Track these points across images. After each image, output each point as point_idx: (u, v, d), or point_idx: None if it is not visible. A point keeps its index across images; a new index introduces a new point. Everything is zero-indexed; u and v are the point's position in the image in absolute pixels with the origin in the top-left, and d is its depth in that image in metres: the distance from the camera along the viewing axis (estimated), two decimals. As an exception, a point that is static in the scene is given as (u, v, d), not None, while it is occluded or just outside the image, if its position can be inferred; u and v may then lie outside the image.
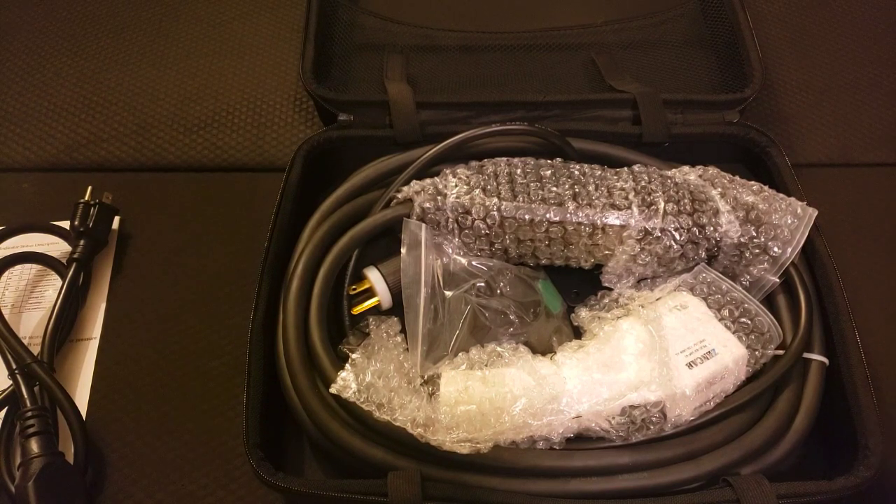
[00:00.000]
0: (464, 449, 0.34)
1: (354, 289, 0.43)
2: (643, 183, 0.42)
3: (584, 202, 0.41)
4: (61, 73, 0.58)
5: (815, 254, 0.43)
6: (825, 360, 0.40)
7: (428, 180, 0.43)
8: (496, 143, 0.46)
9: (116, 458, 0.41)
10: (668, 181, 0.42)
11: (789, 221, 0.41)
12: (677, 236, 0.41)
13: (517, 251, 0.43)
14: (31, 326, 0.45)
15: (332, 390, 0.37)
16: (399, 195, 0.43)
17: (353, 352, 0.38)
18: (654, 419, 0.36)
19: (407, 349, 0.39)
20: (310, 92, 0.49)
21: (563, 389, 0.36)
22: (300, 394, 0.38)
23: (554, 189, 0.41)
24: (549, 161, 0.44)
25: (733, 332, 0.39)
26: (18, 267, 0.47)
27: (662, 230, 0.41)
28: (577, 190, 0.41)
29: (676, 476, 0.36)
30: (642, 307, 0.40)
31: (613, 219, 0.41)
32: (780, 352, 0.39)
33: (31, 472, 0.37)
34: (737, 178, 0.44)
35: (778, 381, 0.39)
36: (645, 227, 0.40)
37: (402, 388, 0.37)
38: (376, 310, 0.43)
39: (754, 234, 0.41)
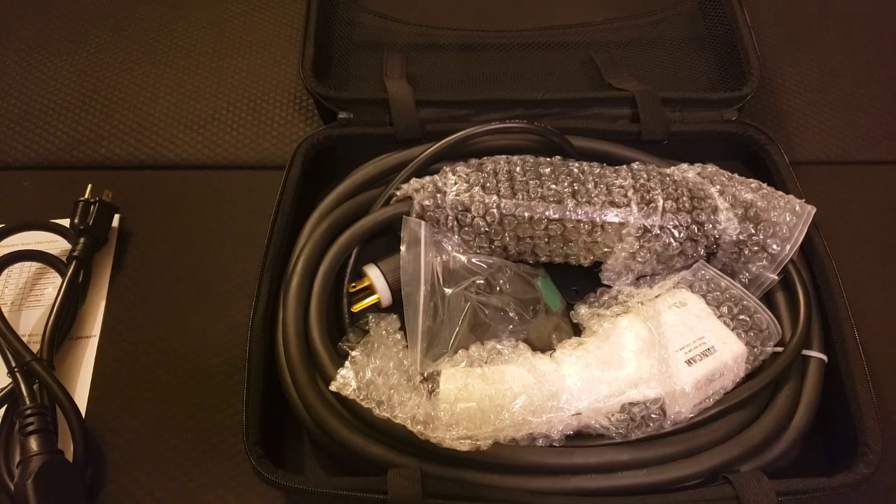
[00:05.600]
0: (464, 446, 0.34)
1: (354, 286, 0.43)
2: (642, 180, 0.42)
3: (584, 200, 0.41)
4: (61, 71, 0.58)
5: (814, 251, 0.43)
6: (824, 357, 0.40)
7: (427, 178, 0.43)
8: (496, 141, 0.46)
9: (116, 455, 0.41)
10: (667, 179, 0.42)
11: (788, 219, 0.41)
12: (676, 234, 0.41)
13: (517, 248, 0.43)
14: (31, 324, 0.45)
15: (332, 388, 0.37)
16: (398, 193, 0.43)
17: (352, 349, 0.38)
18: (653, 416, 0.36)
19: (406, 346, 0.39)
20: (309, 90, 0.49)
21: (563, 386, 0.36)
22: (300, 391, 0.38)
23: (553, 187, 0.41)
24: (548, 159, 0.44)
25: (732, 330, 0.39)
26: (18, 264, 0.47)
27: (661, 228, 0.41)
28: (576, 187, 0.41)
29: (676, 473, 0.36)
30: (641, 304, 0.40)
31: (612, 216, 0.41)
32: (780, 349, 0.39)
33: (31, 470, 0.36)
34: (735, 175, 0.44)
35: (777, 379, 0.39)
36: (644, 225, 0.41)
37: (401, 385, 0.37)
38: (376, 307, 0.43)
39: (753, 231, 0.41)
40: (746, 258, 0.42)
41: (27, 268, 0.48)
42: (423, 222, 0.42)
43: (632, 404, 0.36)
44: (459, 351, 0.39)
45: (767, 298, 0.42)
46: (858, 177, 0.53)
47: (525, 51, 0.55)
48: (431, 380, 0.38)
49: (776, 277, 0.41)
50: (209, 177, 0.52)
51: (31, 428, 0.38)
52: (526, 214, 0.41)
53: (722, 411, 0.37)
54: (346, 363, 0.37)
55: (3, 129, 0.54)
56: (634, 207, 0.41)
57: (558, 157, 0.44)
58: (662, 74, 0.54)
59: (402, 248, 0.41)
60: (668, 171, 0.44)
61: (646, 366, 0.37)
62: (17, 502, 0.36)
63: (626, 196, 0.41)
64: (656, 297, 0.41)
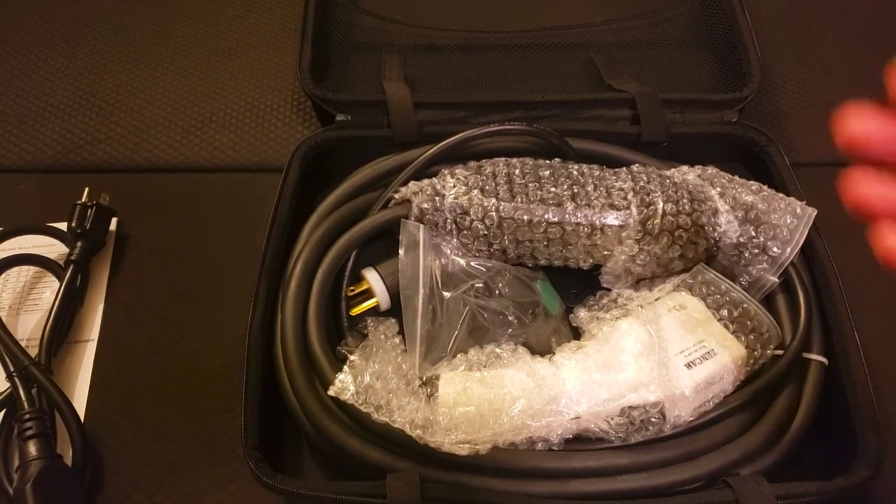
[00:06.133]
0: (463, 450, 0.34)
1: (353, 290, 0.43)
2: (642, 183, 0.42)
3: (583, 202, 0.41)
4: (58, 74, 0.58)
5: (815, 253, 0.43)
6: (824, 360, 0.40)
7: (426, 181, 0.43)
8: (494, 144, 0.46)
9: (115, 459, 0.41)
10: (667, 181, 0.42)
11: (788, 221, 0.41)
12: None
13: (516, 252, 0.43)
14: (29, 328, 0.45)
15: (331, 392, 0.37)
16: (397, 196, 0.43)
17: (351, 353, 0.38)
18: (653, 419, 0.36)
19: (405, 350, 0.39)
20: (307, 92, 0.49)
21: (562, 390, 0.36)
22: (298, 395, 0.38)
23: (552, 189, 0.41)
24: (547, 161, 0.44)
25: (732, 332, 0.39)
26: (15, 269, 0.46)
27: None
28: (575, 190, 0.41)
29: (676, 477, 0.36)
30: (641, 307, 0.40)
31: (612, 219, 0.40)
32: (780, 352, 0.39)
33: (30, 475, 0.36)
34: (736, 177, 0.43)
35: (777, 382, 0.39)
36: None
37: (400, 389, 0.36)
38: (375, 311, 0.43)
39: (753, 233, 0.41)
40: (747, 261, 0.42)
41: (24, 272, 0.47)
42: (421, 225, 0.42)
43: (631, 408, 0.36)
44: (458, 355, 0.39)
45: (768, 301, 0.42)
46: (859, 178, 0.52)
47: (524, 52, 0.55)
48: (430, 384, 0.37)
49: (776, 280, 0.41)
50: (207, 180, 0.52)
51: (29, 432, 0.38)
52: (525, 217, 0.41)
53: (722, 415, 0.37)
54: (345, 367, 0.37)
55: (-1, 132, 0.54)
56: (634, 210, 0.41)
57: (557, 160, 0.44)
58: (662, 75, 0.54)
59: (401, 251, 0.41)
60: (668, 173, 0.43)
61: (645, 369, 0.37)
62: (16, 507, 0.36)
63: (625, 199, 0.41)
64: (656, 299, 0.41)
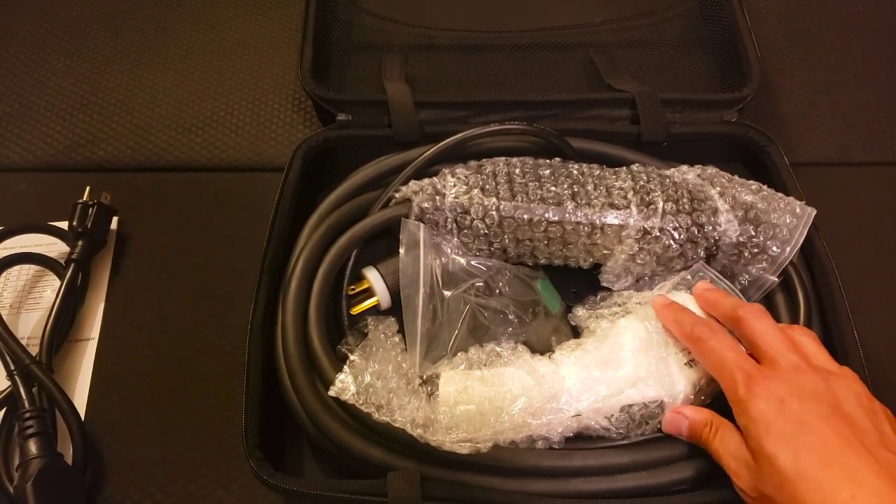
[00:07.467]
0: (463, 449, 0.34)
1: (353, 289, 0.43)
2: (642, 182, 0.42)
3: (583, 202, 0.41)
4: (59, 73, 0.58)
5: (814, 253, 0.43)
6: (824, 359, 0.40)
7: (426, 180, 0.43)
8: (495, 143, 0.46)
9: (115, 458, 0.41)
10: (667, 180, 0.42)
11: (788, 221, 0.41)
12: (676, 235, 0.41)
13: (516, 251, 0.43)
14: (30, 327, 0.45)
15: (331, 393, 0.37)
16: (398, 195, 0.43)
17: (351, 352, 0.38)
18: (653, 414, 0.36)
19: (405, 349, 0.39)
20: (308, 92, 0.49)
21: (562, 388, 0.36)
22: (299, 394, 0.38)
23: (553, 189, 0.41)
24: (547, 161, 0.44)
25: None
26: (17, 267, 0.46)
27: (661, 229, 0.41)
28: (575, 189, 0.41)
29: (676, 475, 0.36)
30: (640, 304, 0.40)
31: (612, 218, 0.41)
32: (779, 351, 0.39)
33: (30, 474, 0.37)
34: (735, 177, 0.44)
35: (777, 381, 0.38)
36: (644, 227, 0.40)
37: (400, 388, 0.36)
38: (375, 310, 0.43)
39: (753, 233, 0.41)
40: (746, 260, 0.42)
41: (25, 270, 0.48)
42: (421, 225, 0.42)
43: (631, 405, 0.36)
44: (458, 353, 0.39)
45: (767, 300, 0.42)
46: (859, 178, 0.53)
47: (524, 52, 0.55)
48: (430, 383, 0.38)
49: (776, 279, 0.41)
50: (208, 179, 0.52)
51: (30, 431, 0.38)
52: (525, 217, 0.41)
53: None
54: (345, 367, 0.37)
55: (0, 131, 0.54)
56: (634, 209, 0.41)
57: (558, 159, 0.44)
58: (662, 75, 0.54)
59: (401, 250, 0.41)
60: (667, 172, 0.43)
61: (643, 365, 0.37)
62: (16, 506, 0.36)
63: (625, 198, 0.41)
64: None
